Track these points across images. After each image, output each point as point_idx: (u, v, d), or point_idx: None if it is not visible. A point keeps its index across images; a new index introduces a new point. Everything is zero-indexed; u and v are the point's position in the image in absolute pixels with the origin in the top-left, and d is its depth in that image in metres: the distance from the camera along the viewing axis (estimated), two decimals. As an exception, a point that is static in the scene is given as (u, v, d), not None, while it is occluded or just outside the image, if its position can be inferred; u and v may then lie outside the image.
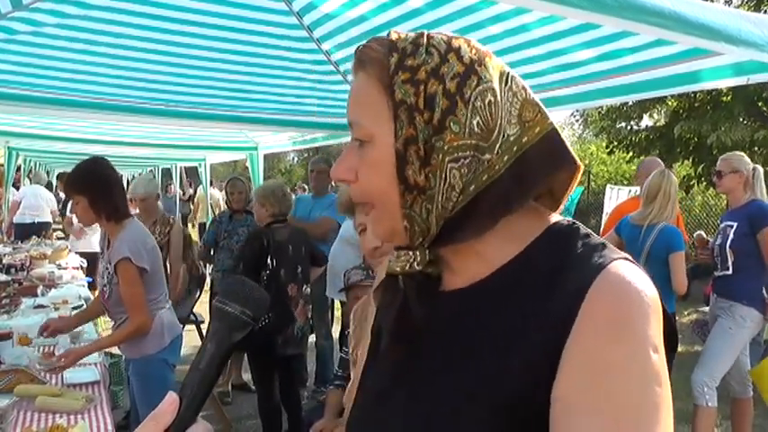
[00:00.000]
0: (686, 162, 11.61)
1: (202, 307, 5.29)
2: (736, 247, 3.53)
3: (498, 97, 0.69)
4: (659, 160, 4.65)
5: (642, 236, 3.50)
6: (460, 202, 0.69)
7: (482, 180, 0.69)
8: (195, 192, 13.51)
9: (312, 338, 4.49)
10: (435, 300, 0.75)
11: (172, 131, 6.15)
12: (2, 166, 8.25)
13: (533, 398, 0.62)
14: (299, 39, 3.35)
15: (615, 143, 12.12)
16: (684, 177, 11.30)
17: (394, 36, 0.72)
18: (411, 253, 0.74)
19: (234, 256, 4.51)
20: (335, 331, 5.10)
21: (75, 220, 5.80)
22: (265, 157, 7.21)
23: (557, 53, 2.80)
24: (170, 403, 0.70)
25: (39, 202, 8.32)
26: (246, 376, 4.88)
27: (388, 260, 0.76)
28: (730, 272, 3.56)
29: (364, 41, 0.75)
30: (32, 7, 2.63)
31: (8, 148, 7.70)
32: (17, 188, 9.15)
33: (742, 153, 3.86)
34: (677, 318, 4.93)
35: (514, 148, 0.70)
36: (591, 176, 15.65)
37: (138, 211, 4.23)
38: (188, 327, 4.65)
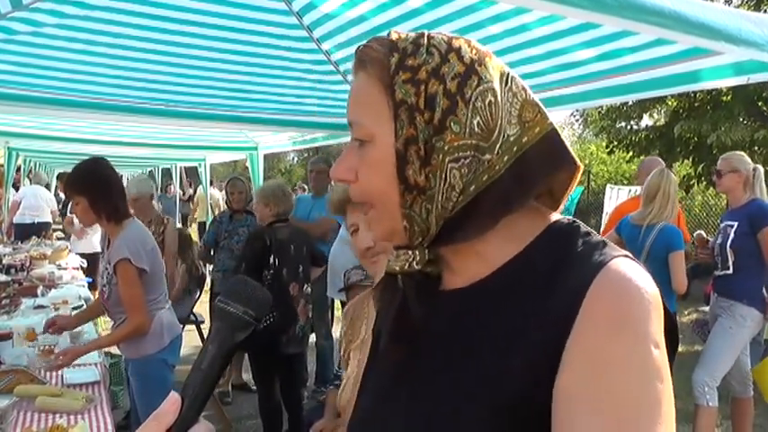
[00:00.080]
0: (686, 162, 11.62)
1: (202, 307, 5.29)
2: (737, 246, 3.53)
3: (498, 97, 0.70)
4: (660, 159, 4.65)
5: (642, 235, 3.50)
6: (460, 202, 0.69)
7: (482, 180, 0.69)
8: (195, 192, 13.50)
9: (312, 338, 4.49)
10: (435, 299, 0.75)
11: (172, 131, 6.15)
12: (2, 166, 8.25)
13: (534, 398, 0.62)
14: (298, 39, 3.35)
15: (615, 143, 12.14)
16: (684, 177, 11.31)
17: (394, 36, 0.72)
18: (410, 252, 0.74)
19: (235, 255, 4.51)
20: (336, 331, 5.10)
21: (75, 220, 5.79)
22: (265, 157, 7.21)
23: (557, 53, 2.80)
24: (172, 403, 0.70)
25: (39, 203, 8.32)
26: (246, 376, 4.88)
27: (388, 260, 0.76)
28: (731, 271, 3.56)
29: (364, 41, 0.74)
30: (32, 7, 2.63)
31: (8, 148, 7.70)
32: (17, 188, 9.15)
33: (742, 153, 3.86)
34: (677, 317, 4.93)
35: (514, 149, 0.70)
36: (591, 176, 15.66)
37: (132, 211, 4.23)
38: (188, 327, 4.66)
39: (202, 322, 5.08)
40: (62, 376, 2.75)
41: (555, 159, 0.72)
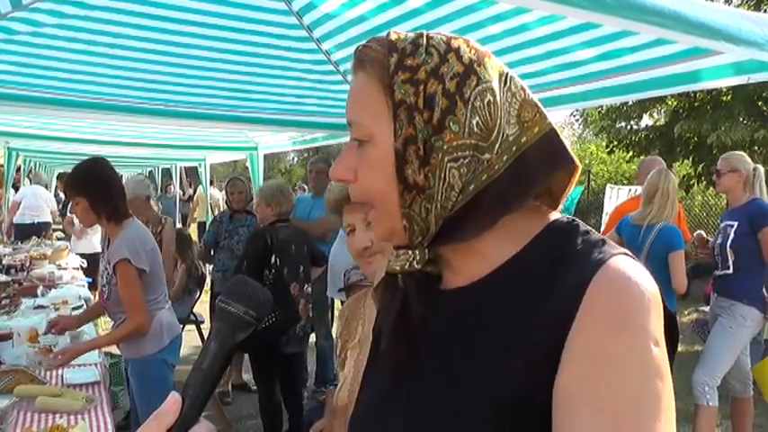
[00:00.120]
0: (686, 162, 11.63)
1: (202, 307, 5.29)
2: (737, 246, 3.53)
3: (497, 97, 0.70)
4: (660, 159, 4.64)
5: (642, 235, 3.51)
6: (460, 201, 0.70)
7: (481, 180, 0.69)
8: (195, 192, 13.49)
9: (312, 338, 4.49)
10: (436, 299, 0.75)
11: (171, 131, 6.15)
12: (2, 166, 8.25)
13: (534, 397, 0.63)
14: (298, 39, 3.35)
15: (615, 143, 12.14)
16: (684, 177, 11.32)
17: (393, 36, 0.72)
18: (411, 252, 0.74)
19: (236, 255, 4.51)
20: (336, 331, 5.09)
21: (75, 220, 5.79)
22: (265, 157, 7.21)
23: (557, 53, 2.80)
24: (173, 403, 0.70)
25: (39, 203, 8.32)
26: (246, 376, 4.89)
27: (389, 260, 0.77)
28: (731, 271, 3.56)
29: (364, 41, 0.75)
30: (32, 7, 2.63)
31: (8, 148, 7.70)
32: (16, 189, 9.15)
33: (742, 153, 3.86)
34: (678, 317, 4.92)
35: (513, 148, 0.70)
36: (591, 176, 15.66)
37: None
38: (188, 327, 4.66)
39: (202, 322, 5.08)
40: (62, 376, 2.74)
41: (554, 159, 0.73)
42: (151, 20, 2.97)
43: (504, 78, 0.72)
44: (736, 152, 3.87)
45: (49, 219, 8.42)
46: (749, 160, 3.69)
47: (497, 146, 0.69)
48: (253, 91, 3.93)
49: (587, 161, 18.34)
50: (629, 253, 0.68)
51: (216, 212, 8.33)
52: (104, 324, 4.63)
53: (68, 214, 6.92)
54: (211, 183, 10.98)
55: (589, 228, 0.72)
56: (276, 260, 3.54)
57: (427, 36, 0.71)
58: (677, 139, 10.49)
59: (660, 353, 0.61)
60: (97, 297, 3.29)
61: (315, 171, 5.00)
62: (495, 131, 0.69)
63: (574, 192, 12.26)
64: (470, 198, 0.69)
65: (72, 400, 2.41)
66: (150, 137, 6.57)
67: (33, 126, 5.87)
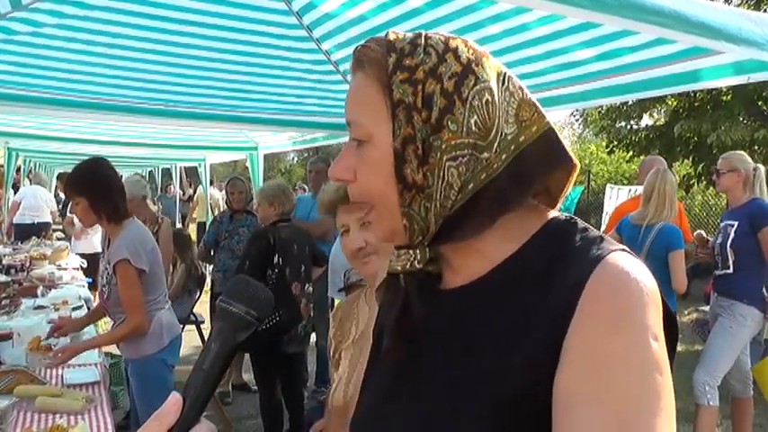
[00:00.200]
0: (686, 161, 11.64)
1: (202, 307, 5.29)
2: (737, 245, 3.53)
3: (496, 97, 0.70)
4: (661, 159, 4.64)
5: (642, 235, 3.50)
6: (459, 200, 0.70)
7: (480, 179, 0.69)
8: (195, 192, 13.49)
9: (312, 338, 4.49)
10: (436, 298, 0.75)
11: (171, 131, 6.15)
12: (1, 166, 8.25)
13: (535, 395, 0.63)
14: (298, 38, 3.35)
15: (615, 142, 12.15)
16: (684, 177, 11.33)
17: (392, 36, 0.72)
18: (411, 252, 0.74)
19: (236, 255, 4.51)
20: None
21: (75, 220, 5.79)
22: (265, 157, 7.21)
23: (557, 52, 2.80)
24: (173, 403, 0.70)
25: (38, 203, 8.32)
26: (247, 376, 4.89)
27: (390, 260, 0.77)
28: (731, 271, 3.56)
29: (363, 41, 0.75)
30: (32, 7, 2.63)
31: (8, 148, 7.71)
32: (16, 189, 9.15)
33: (742, 152, 3.86)
34: (678, 317, 4.92)
35: (512, 147, 0.70)
36: (591, 176, 15.66)
37: None
38: (188, 327, 4.66)
39: (202, 322, 5.08)
40: (62, 376, 2.74)
41: (552, 158, 0.73)
42: (150, 20, 2.96)
43: (502, 78, 0.72)
44: (737, 152, 3.87)
45: (48, 219, 8.42)
46: (749, 160, 3.69)
47: (496, 145, 0.69)
48: (253, 91, 3.93)
49: (587, 161, 18.34)
50: (628, 249, 0.68)
51: (216, 212, 8.33)
52: (104, 324, 4.62)
53: (68, 214, 6.92)
54: (211, 183, 10.97)
55: (587, 225, 0.73)
56: (279, 260, 3.55)
57: (425, 36, 0.71)
58: (677, 138, 10.49)
59: (659, 348, 0.61)
60: (97, 297, 3.28)
61: (314, 171, 5.00)
62: (494, 130, 0.69)
63: (574, 192, 12.26)
64: (469, 197, 0.70)
65: (72, 401, 2.41)
66: (150, 137, 6.57)
67: (33, 126, 5.87)
